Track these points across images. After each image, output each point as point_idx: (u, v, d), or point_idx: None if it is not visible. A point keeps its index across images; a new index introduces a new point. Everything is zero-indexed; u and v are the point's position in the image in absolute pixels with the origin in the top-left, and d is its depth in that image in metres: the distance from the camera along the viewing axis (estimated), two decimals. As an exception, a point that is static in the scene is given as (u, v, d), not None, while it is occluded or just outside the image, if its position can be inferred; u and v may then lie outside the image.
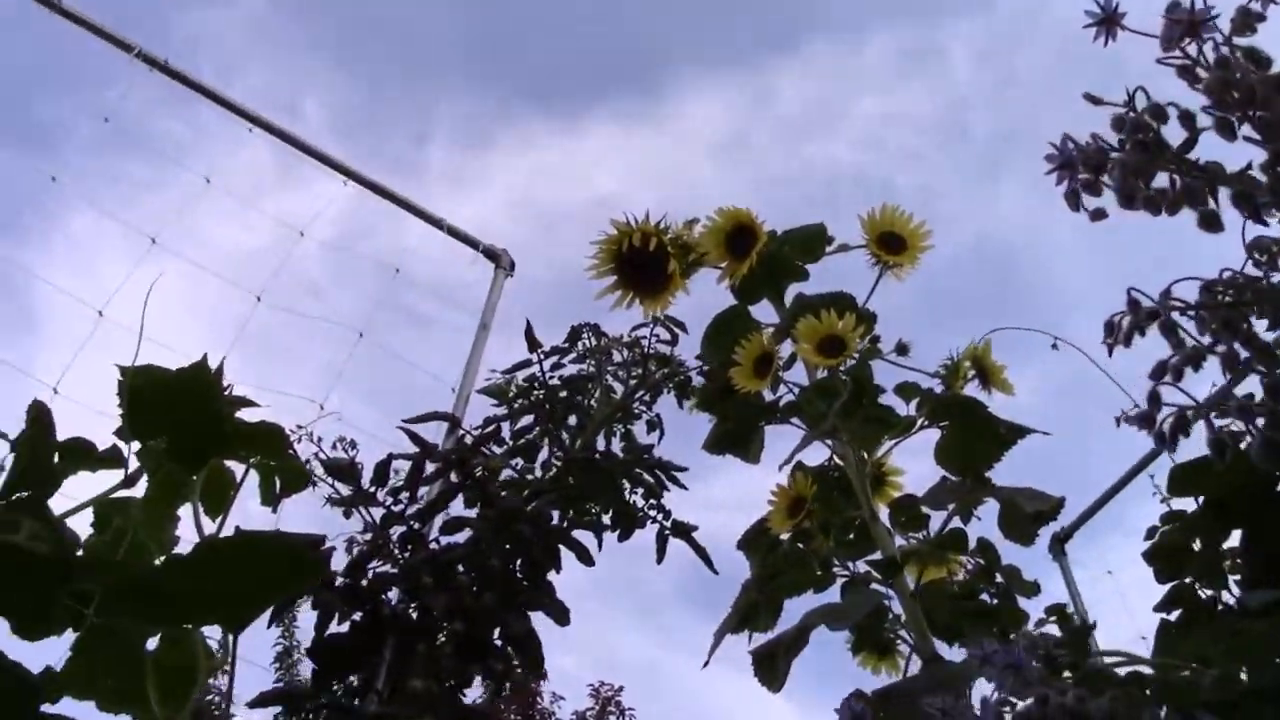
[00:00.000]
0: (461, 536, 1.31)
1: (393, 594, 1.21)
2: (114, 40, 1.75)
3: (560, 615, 1.36)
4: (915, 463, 1.16)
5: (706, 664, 1.01)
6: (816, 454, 1.11)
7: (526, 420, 1.28)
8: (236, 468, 1.20)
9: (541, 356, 1.43)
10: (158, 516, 1.17)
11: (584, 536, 1.29)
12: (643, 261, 1.12)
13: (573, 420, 1.27)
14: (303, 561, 1.10)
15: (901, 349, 1.03)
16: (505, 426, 1.27)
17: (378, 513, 1.24)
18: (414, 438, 1.39)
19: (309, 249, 1.95)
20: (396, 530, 1.27)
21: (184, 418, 1.10)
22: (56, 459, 0.98)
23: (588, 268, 1.15)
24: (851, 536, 1.02)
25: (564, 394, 1.28)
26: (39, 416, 0.91)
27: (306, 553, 1.20)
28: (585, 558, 1.36)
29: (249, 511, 1.16)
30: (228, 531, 1.18)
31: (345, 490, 1.21)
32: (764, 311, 1.16)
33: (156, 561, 1.21)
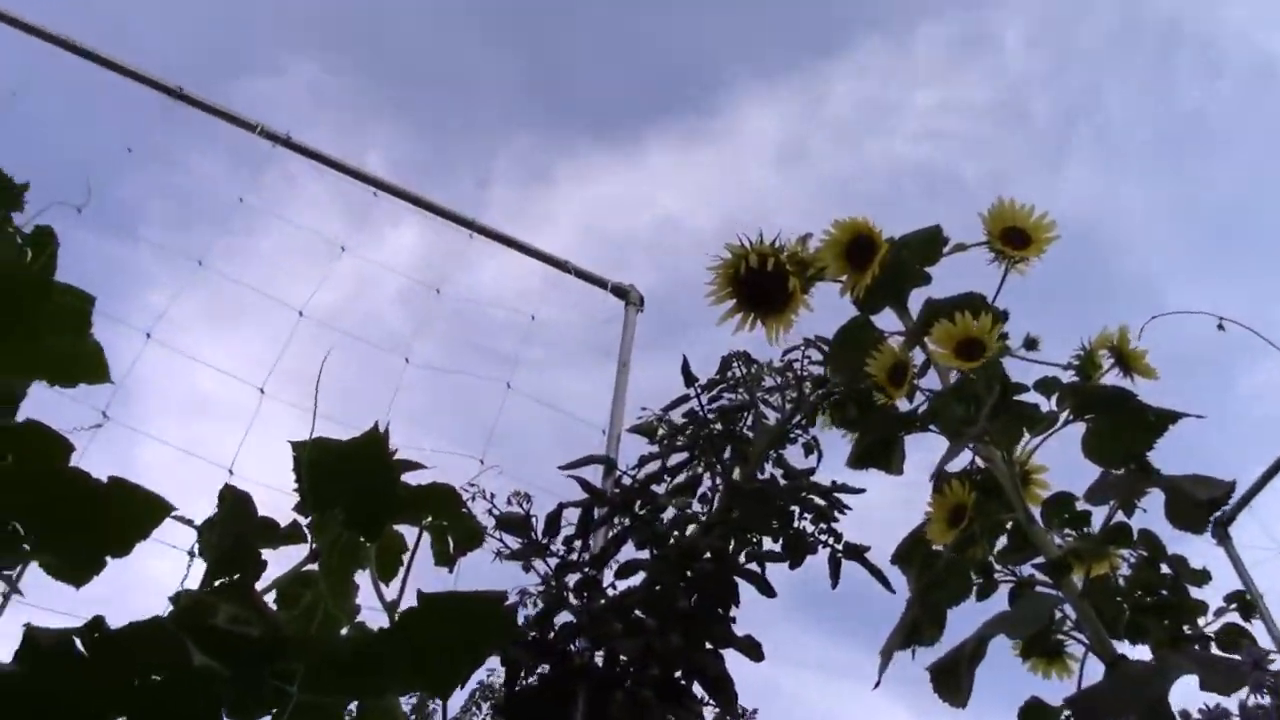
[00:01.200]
0: (635, 579, 1.45)
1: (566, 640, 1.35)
2: (238, 121, 2.00)
3: (753, 651, 1.44)
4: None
5: (878, 684, 1.07)
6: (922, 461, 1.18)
7: (679, 456, 1.40)
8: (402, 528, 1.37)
9: (699, 390, 1.55)
10: (340, 586, 1.34)
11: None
12: (761, 282, 1.20)
13: (726, 451, 1.38)
14: (501, 619, 1.23)
15: (1030, 343, 1.07)
16: (658, 463, 1.40)
17: (540, 559, 1.39)
18: (585, 485, 1.51)
19: (438, 305, 2.15)
20: (571, 578, 1.42)
21: (360, 486, 1.26)
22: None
23: (707, 294, 1.24)
24: (1007, 540, 1.07)
25: (718, 425, 1.40)
26: (237, 502, 1.09)
27: (504, 610, 1.34)
28: (765, 589, 1.45)
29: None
30: (408, 596, 1.34)
31: (514, 544, 1.37)
32: (885, 320, 1.20)
33: (343, 631, 1.39)
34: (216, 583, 1.08)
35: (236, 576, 1.05)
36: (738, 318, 1.22)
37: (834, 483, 1.43)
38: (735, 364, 1.47)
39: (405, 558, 1.44)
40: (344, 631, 1.35)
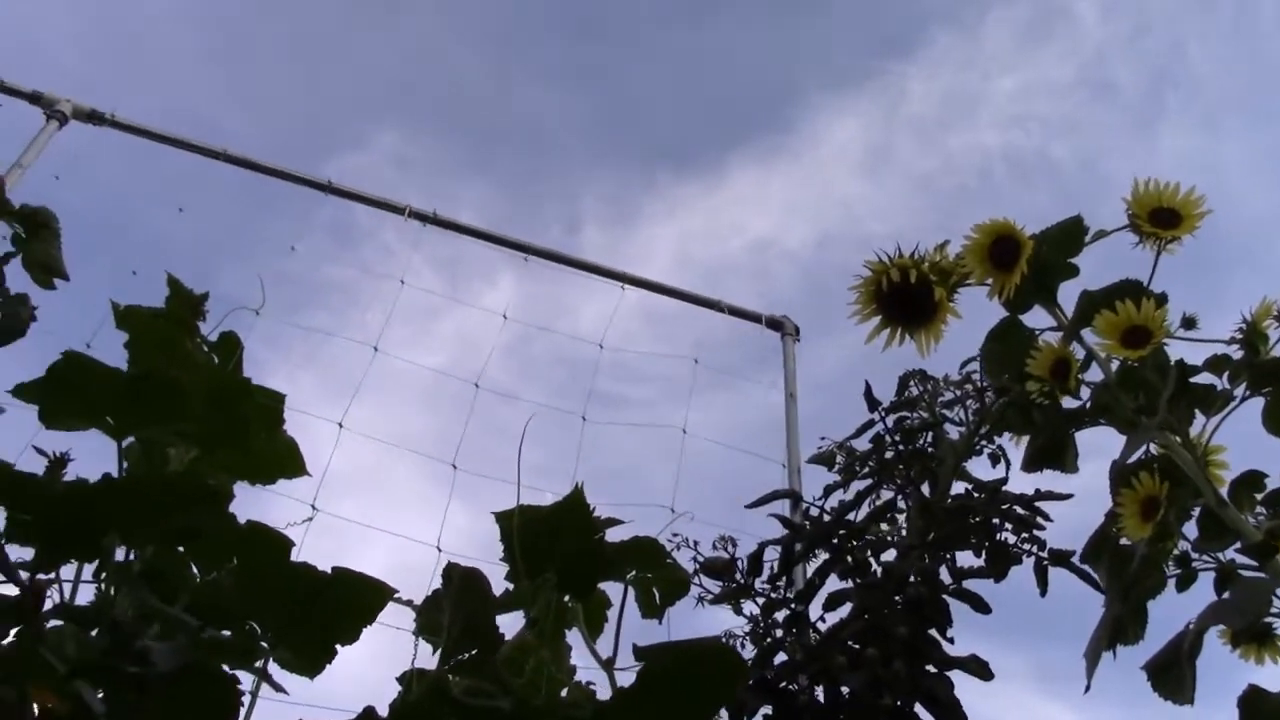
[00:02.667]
0: (841, 611, 1.59)
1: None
2: (386, 206, 2.28)
3: (981, 670, 1.56)
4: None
5: (1088, 689, 1.19)
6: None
7: (863, 482, 1.55)
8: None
9: (883, 414, 1.69)
10: (557, 650, 1.55)
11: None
12: (905, 295, 1.32)
13: (903, 469, 1.52)
14: (736, 665, 1.38)
15: (1189, 323, 1.14)
16: (841, 491, 1.55)
17: (749, 599, 1.55)
18: (785, 521, 1.66)
19: (594, 356, 2.37)
20: (779, 615, 1.58)
21: (567, 549, 1.46)
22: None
23: (851, 314, 1.38)
24: (1197, 527, 1.17)
25: (901, 447, 1.54)
26: (466, 578, 1.29)
27: (736, 656, 1.50)
28: (982, 607, 1.58)
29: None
30: (624, 652, 1.52)
31: (713, 588, 1.53)
32: (1032, 318, 1.30)
33: (563, 692, 1.57)
34: (453, 659, 1.29)
35: (474, 651, 1.26)
36: (885, 334, 1.35)
37: (1037, 490, 1.54)
38: (912, 382, 1.62)
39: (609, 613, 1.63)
40: (564, 693, 1.55)
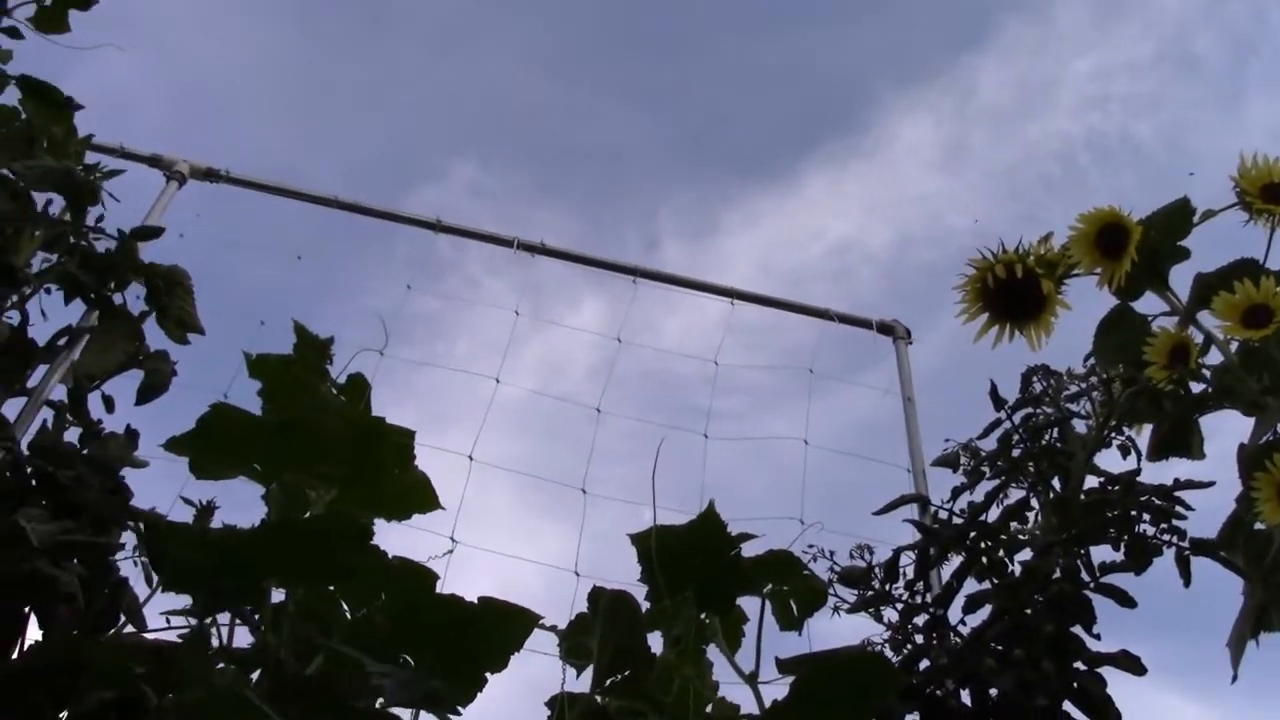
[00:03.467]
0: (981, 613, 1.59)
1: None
2: (496, 239, 2.32)
3: (1134, 666, 1.54)
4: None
5: (1235, 678, 1.17)
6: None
7: (991, 482, 1.54)
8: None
9: (1008, 411, 1.68)
10: (700, 667, 1.56)
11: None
12: (1012, 291, 1.32)
13: (1033, 467, 1.51)
14: (889, 673, 1.39)
15: None
16: (968, 494, 1.55)
17: (888, 606, 1.55)
18: (920, 526, 1.66)
19: (685, 372, 2.39)
20: (918, 620, 1.57)
21: (704, 566, 1.48)
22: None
23: (958, 313, 1.38)
24: None
25: (1028, 444, 1.53)
26: (615, 601, 1.31)
27: (889, 663, 1.50)
28: (1127, 601, 1.56)
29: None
30: (766, 664, 1.53)
31: (848, 597, 1.54)
32: (1143, 304, 1.29)
33: (708, 708, 1.58)
34: (607, 681, 1.31)
35: (626, 673, 1.28)
36: (994, 331, 1.34)
37: (1177, 480, 1.52)
38: (1035, 378, 1.61)
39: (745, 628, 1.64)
40: (709, 709, 1.56)
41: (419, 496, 1.61)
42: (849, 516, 1.82)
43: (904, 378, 2.23)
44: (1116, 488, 1.54)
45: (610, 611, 1.24)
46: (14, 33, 0.91)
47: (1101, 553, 1.52)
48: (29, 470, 1.39)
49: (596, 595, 1.29)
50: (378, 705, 1.17)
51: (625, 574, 1.52)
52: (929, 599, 1.56)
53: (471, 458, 1.65)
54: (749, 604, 1.56)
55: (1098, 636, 1.48)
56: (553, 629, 1.49)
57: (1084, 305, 1.42)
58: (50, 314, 1.61)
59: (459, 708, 1.35)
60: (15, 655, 1.15)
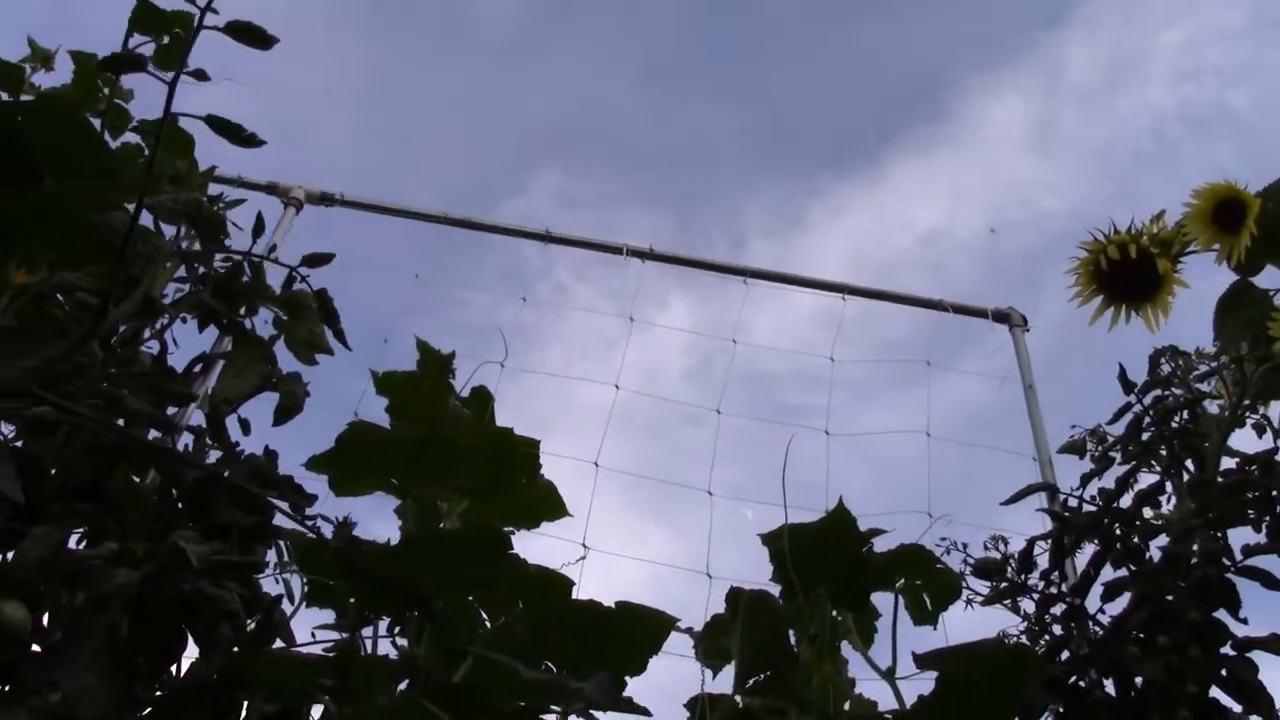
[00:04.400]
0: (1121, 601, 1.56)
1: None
2: (604, 247, 2.34)
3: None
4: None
5: None
6: None
7: (1117, 468, 1.52)
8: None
9: (1138, 395, 1.66)
10: (836, 664, 1.56)
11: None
12: (1126, 272, 1.31)
13: (1165, 450, 1.49)
14: (1034, 664, 1.38)
15: None
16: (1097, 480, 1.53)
17: (1025, 597, 1.54)
18: (1054, 514, 1.64)
19: (774, 370, 2.38)
20: (1054, 610, 1.56)
21: (836, 563, 1.48)
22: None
23: (1071, 297, 1.36)
24: None
25: (1156, 427, 1.51)
26: (754, 602, 1.32)
27: (1035, 654, 1.49)
28: (1272, 583, 1.52)
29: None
30: (903, 659, 1.53)
31: (984, 589, 1.53)
32: (1264, 279, 1.27)
33: (845, 705, 1.58)
34: (749, 681, 1.32)
35: (768, 672, 1.29)
36: (1109, 313, 1.32)
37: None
38: (1163, 359, 1.58)
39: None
40: (846, 706, 1.56)
41: (548, 505, 1.64)
42: (967, 507, 1.80)
43: (1023, 366, 2.21)
44: (1254, 468, 1.51)
45: (751, 611, 1.25)
46: (201, 75, 0.94)
47: (1241, 535, 1.48)
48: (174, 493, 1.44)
49: (735, 595, 1.30)
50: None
51: (736, 573, 1.54)
52: (1065, 589, 1.54)
53: (597, 464, 1.67)
54: (882, 600, 1.56)
55: (1244, 620, 1.45)
56: (688, 631, 1.50)
57: (1199, 283, 1.40)
58: (183, 341, 1.66)
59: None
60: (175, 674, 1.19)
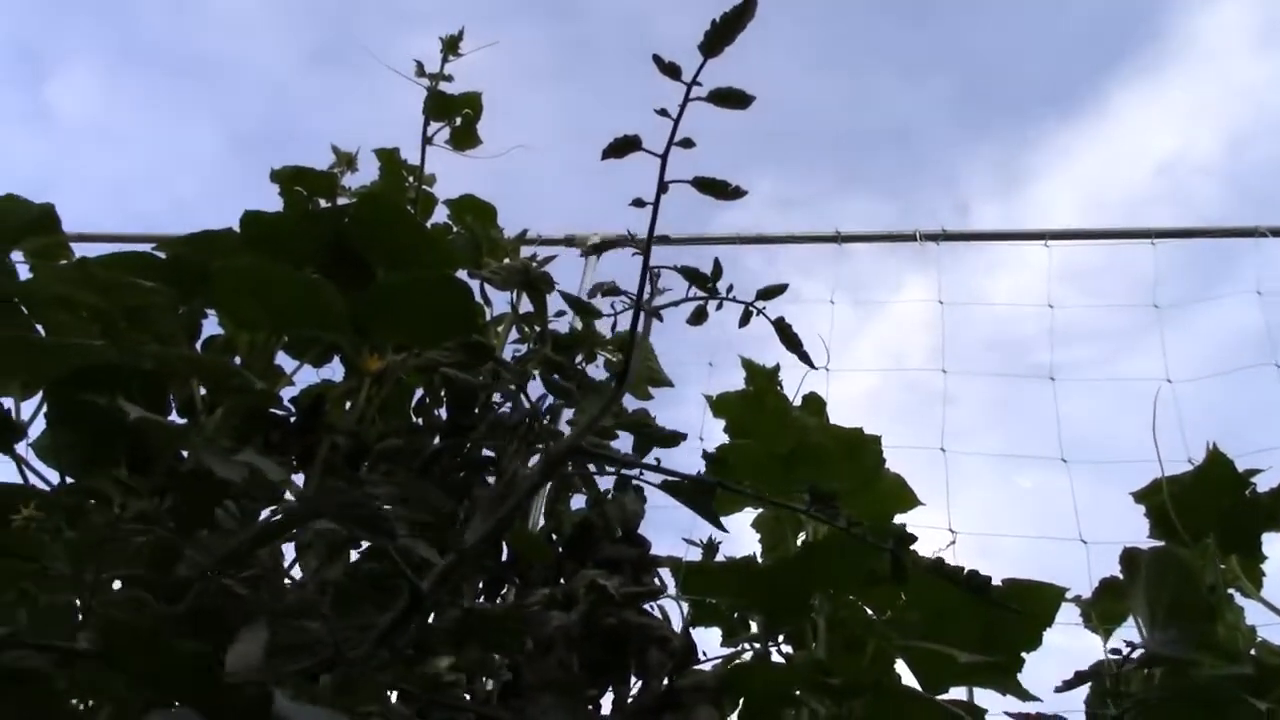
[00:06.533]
0: None
1: None
2: (895, 237, 2.34)
3: None
4: None
5: None
6: None
7: None
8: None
9: None
10: (1234, 611, 1.53)
11: None
12: None
13: None
14: None
15: None
16: None
17: None
18: None
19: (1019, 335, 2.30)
20: None
21: (1222, 509, 1.45)
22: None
23: None
24: None
25: None
26: (1163, 559, 1.31)
27: None
28: None
29: None
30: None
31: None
32: None
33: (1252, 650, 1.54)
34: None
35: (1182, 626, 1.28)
36: None
37: None
38: None
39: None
40: (1252, 652, 1.52)
41: (900, 497, 1.66)
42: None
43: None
44: None
45: (1156, 568, 1.24)
46: (688, 143, 1.01)
47: None
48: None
49: (1132, 555, 1.30)
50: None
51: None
52: None
53: (943, 449, 1.69)
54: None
55: None
56: (1075, 599, 1.50)
57: None
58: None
59: (1004, 692, 1.39)
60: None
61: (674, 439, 1.36)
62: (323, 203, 1.96)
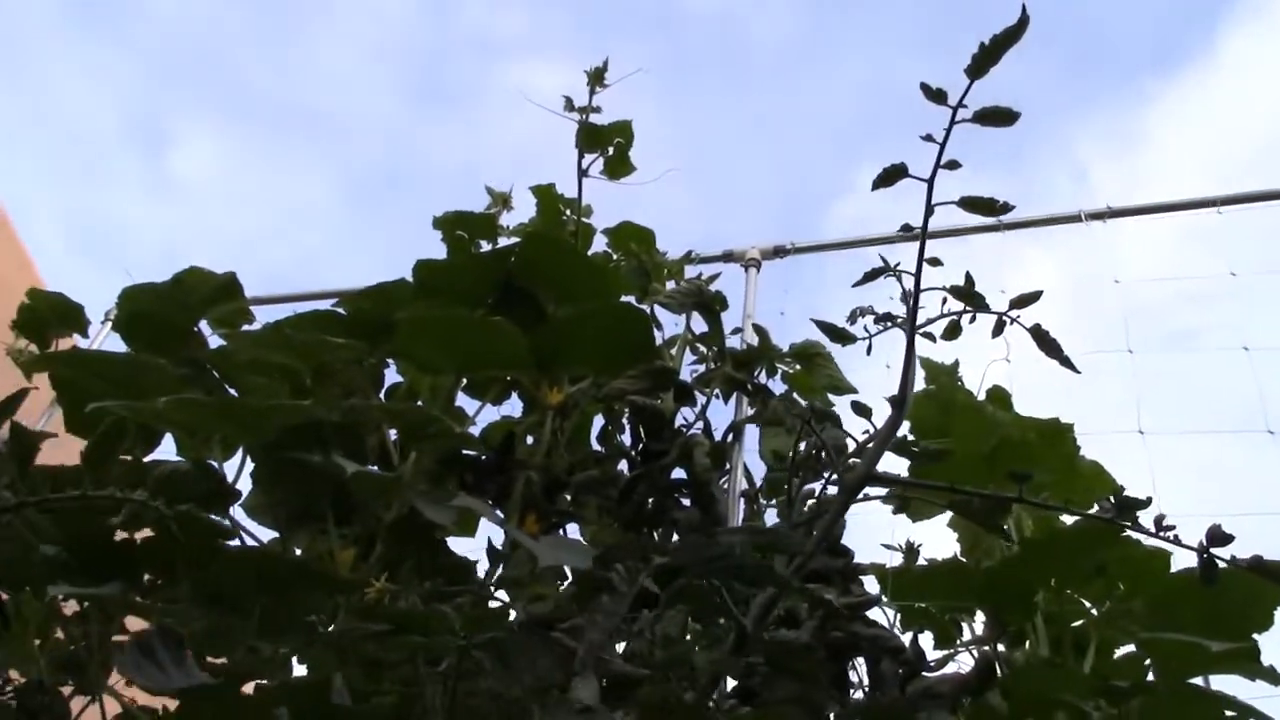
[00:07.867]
0: None
1: None
2: (1061, 220, 2.27)
3: None
4: None
5: None
6: None
7: None
8: None
9: None
10: None
11: None
12: None
13: None
14: None
15: None
16: None
17: None
18: None
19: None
20: None
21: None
22: None
23: None
24: None
25: None
26: None
27: None
28: None
29: None
30: None
31: None
32: None
33: None
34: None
35: None
36: None
37: None
38: None
39: None
40: None
41: (1098, 482, 1.63)
42: None
43: None
44: None
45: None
46: (954, 165, 1.03)
47: None
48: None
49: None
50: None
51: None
52: None
53: (1141, 431, 1.65)
54: None
55: None
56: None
57: None
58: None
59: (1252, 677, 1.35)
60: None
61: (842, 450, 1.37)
62: (484, 244, 2.00)
